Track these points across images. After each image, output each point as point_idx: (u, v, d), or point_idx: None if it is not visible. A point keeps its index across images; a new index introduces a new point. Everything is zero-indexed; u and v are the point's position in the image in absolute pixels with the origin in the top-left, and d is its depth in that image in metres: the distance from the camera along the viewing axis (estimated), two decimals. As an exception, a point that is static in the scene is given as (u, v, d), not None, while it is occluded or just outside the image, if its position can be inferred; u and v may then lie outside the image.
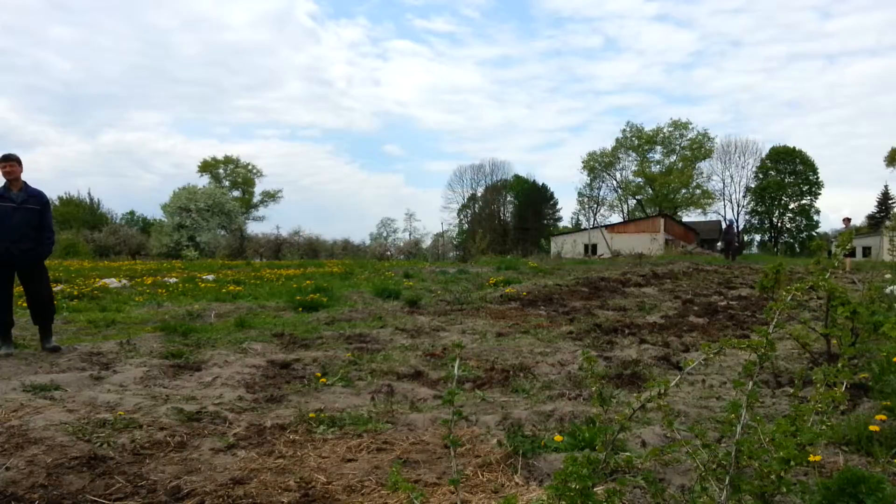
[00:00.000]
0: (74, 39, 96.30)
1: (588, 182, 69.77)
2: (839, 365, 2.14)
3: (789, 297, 2.15)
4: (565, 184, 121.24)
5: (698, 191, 64.42)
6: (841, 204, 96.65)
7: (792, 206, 64.30)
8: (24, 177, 6.37)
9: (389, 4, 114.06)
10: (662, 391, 2.04)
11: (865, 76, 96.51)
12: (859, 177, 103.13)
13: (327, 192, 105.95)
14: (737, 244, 29.74)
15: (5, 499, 2.71)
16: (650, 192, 65.95)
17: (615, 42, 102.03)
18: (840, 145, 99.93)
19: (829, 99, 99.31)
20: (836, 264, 2.73)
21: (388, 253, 41.06)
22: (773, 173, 63.78)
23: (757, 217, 65.92)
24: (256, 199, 72.59)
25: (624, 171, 68.85)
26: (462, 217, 72.56)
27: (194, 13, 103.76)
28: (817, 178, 63.74)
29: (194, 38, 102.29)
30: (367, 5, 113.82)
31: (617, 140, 67.96)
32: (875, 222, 55.03)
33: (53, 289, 7.07)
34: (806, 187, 63.87)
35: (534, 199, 68.92)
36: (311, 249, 40.24)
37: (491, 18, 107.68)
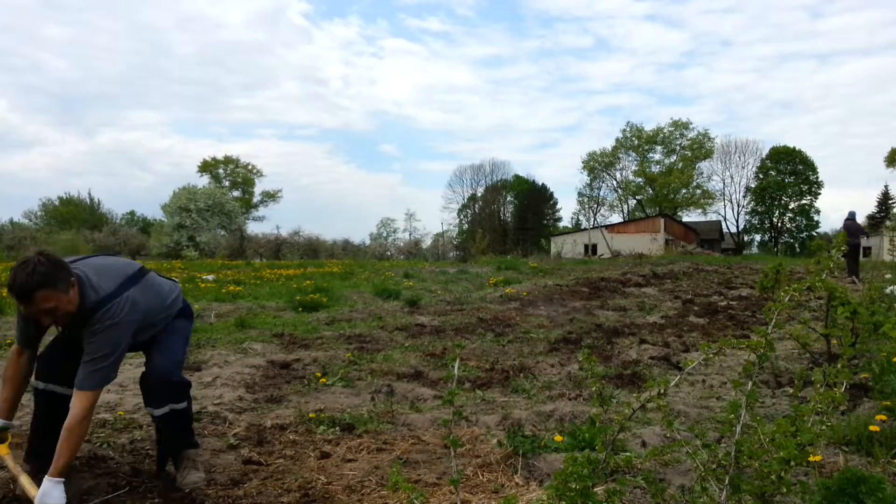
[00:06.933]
0: (70, 39, 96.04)
1: (588, 182, 69.82)
2: (839, 365, 2.14)
3: (787, 298, 2.15)
4: (561, 183, 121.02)
5: (698, 191, 64.43)
6: (838, 204, 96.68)
7: (792, 205, 64.26)
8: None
9: (382, 3, 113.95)
10: (662, 391, 2.04)
11: (858, 76, 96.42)
12: (855, 177, 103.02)
13: (326, 192, 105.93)
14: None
15: (7, 499, 2.71)
16: (650, 192, 65.93)
17: (606, 42, 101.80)
18: (834, 145, 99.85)
19: (822, 99, 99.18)
20: (831, 265, 2.73)
21: (388, 253, 41.11)
22: (773, 173, 63.74)
23: (757, 217, 65.91)
24: (256, 199, 72.55)
25: (624, 171, 68.86)
26: (462, 217, 72.54)
27: (189, 12, 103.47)
28: (817, 177, 63.73)
29: (190, 38, 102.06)
30: (361, 4, 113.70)
31: (617, 140, 67.96)
32: (875, 222, 54.99)
33: None
34: (806, 187, 63.84)
35: (534, 199, 68.89)
36: (311, 249, 40.23)
37: (483, 18, 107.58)
